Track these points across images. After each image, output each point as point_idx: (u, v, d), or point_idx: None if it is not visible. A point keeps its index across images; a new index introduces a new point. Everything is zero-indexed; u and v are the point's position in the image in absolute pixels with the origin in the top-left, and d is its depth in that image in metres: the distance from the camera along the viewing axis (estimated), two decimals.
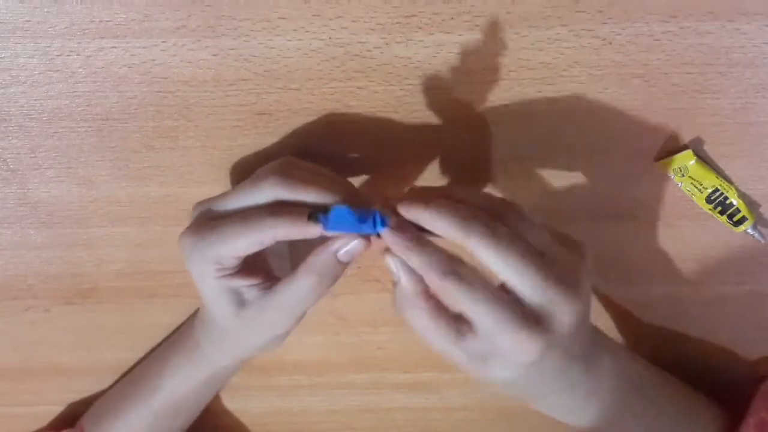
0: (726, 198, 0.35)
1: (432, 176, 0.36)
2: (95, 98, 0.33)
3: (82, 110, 0.33)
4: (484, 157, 0.35)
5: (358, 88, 0.32)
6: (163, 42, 0.31)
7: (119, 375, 0.44)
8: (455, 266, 0.27)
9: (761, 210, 0.37)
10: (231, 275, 0.30)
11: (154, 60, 0.31)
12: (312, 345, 0.43)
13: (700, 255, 0.39)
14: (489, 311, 0.27)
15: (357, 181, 0.36)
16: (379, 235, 0.28)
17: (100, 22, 0.30)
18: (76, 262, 0.39)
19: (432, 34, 0.31)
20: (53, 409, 0.45)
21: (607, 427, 0.34)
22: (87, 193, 0.36)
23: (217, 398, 0.44)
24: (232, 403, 0.46)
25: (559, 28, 0.31)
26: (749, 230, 0.36)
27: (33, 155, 0.35)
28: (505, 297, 0.27)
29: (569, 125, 0.34)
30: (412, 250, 0.28)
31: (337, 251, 0.29)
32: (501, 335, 0.27)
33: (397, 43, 0.31)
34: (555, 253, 0.29)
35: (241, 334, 0.33)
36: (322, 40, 0.31)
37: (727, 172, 0.36)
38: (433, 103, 0.33)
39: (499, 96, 0.33)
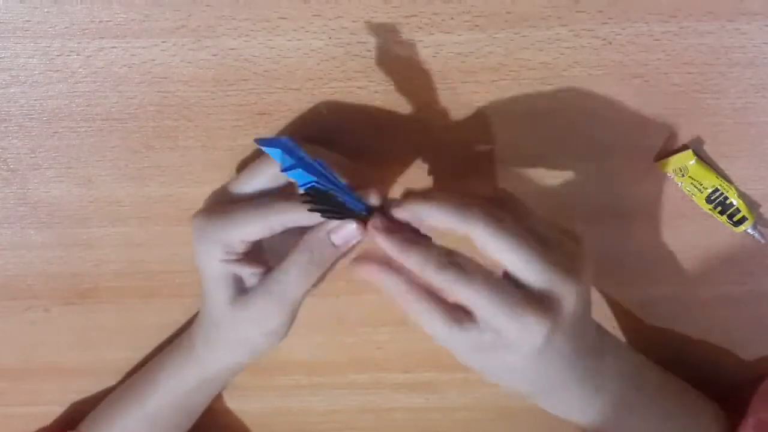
0: (726, 198, 0.35)
1: (433, 176, 0.36)
2: (95, 98, 0.33)
3: (82, 110, 0.33)
4: (484, 158, 0.35)
5: (358, 88, 0.32)
6: (163, 42, 0.31)
7: (119, 375, 0.44)
8: (454, 257, 0.27)
9: (761, 210, 0.37)
10: (236, 261, 0.30)
11: (154, 60, 0.31)
12: (312, 345, 0.43)
13: (700, 255, 0.39)
14: (493, 298, 0.27)
15: (355, 181, 0.36)
16: (367, 216, 0.28)
17: (100, 22, 0.30)
18: (76, 262, 0.39)
19: (432, 34, 0.31)
20: (53, 409, 0.45)
21: (611, 425, 0.33)
22: (87, 193, 0.36)
23: (217, 397, 0.44)
24: (232, 402, 0.46)
25: (559, 28, 0.31)
26: (749, 230, 0.36)
27: (33, 155, 0.35)
28: (508, 283, 0.27)
29: (569, 125, 0.34)
30: (409, 248, 0.28)
31: (330, 232, 0.29)
32: (507, 321, 0.27)
33: (397, 43, 0.31)
34: (556, 239, 0.29)
35: (235, 327, 0.32)
36: (322, 40, 0.31)
37: (727, 172, 0.36)
38: (433, 104, 0.33)
39: (499, 96, 0.33)
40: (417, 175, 0.36)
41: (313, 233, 0.30)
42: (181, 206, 0.37)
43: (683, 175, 0.35)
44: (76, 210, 0.37)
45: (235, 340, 0.33)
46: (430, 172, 0.36)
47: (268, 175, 0.31)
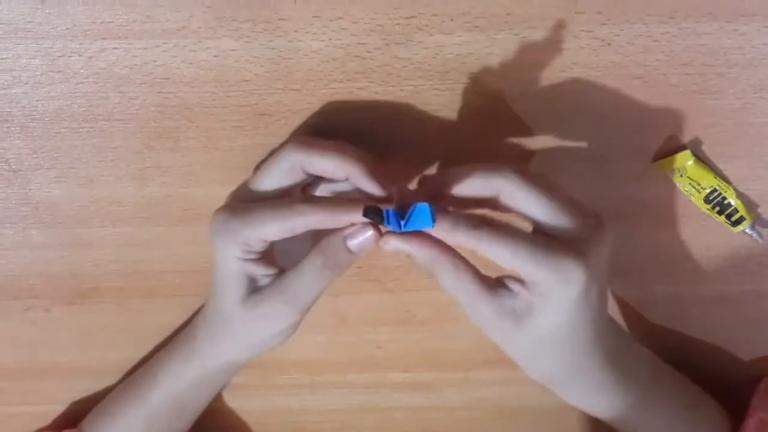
0: (724, 198, 0.35)
1: None
2: (97, 99, 0.33)
3: (84, 111, 0.33)
4: (484, 158, 0.35)
5: (359, 89, 0.33)
6: (165, 43, 0.31)
7: (120, 374, 0.44)
8: (487, 220, 0.28)
9: (759, 210, 0.37)
10: (253, 260, 0.31)
11: (155, 61, 0.31)
12: (312, 344, 0.43)
13: (700, 255, 0.39)
14: (529, 248, 0.27)
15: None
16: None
17: (102, 23, 0.30)
18: (77, 262, 0.39)
19: (432, 35, 0.31)
20: (54, 408, 0.45)
21: (627, 418, 0.34)
22: (88, 194, 0.36)
23: (217, 397, 0.44)
24: (232, 402, 0.46)
25: (558, 29, 0.31)
26: (747, 230, 0.36)
27: (35, 155, 0.35)
28: (540, 235, 0.28)
29: (568, 126, 0.34)
30: (439, 216, 0.28)
31: (346, 237, 0.29)
32: (546, 269, 0.27)
33: (397, 44, 0.31)
34: (575, 200, 0.30)
35: (244, 325, 0.32)
36: (322, 41, 0.31)
37: (725, 173, 0.36)
38: (433, 104, 0.33)
39: (498, 97, 0.33)
40: (417, 175, 0.36)
41: (330, 238, 0.30)
42: (182, 206, 0.37)
43: (681, 176, 0.35)
44: (78, 210, 0.37)
45: (243, 337, 0.33)
46: (430, 173, 0.36)
47: (286, 170, 0.30)
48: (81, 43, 0.31)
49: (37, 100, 0.33)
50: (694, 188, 0.35)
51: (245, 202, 0.31)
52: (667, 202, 0.37)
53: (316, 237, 0.31)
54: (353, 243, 0.29)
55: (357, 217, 0.28)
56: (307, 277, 0.30)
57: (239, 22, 0.30)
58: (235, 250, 0.30)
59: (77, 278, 0.39)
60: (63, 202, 0.36)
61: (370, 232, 0.29)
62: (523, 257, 0.27)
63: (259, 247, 0.30)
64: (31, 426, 0.45)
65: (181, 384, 0.38)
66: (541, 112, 0.34)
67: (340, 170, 0.30)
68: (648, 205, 0.37)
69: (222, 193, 0.36)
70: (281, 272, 0.31)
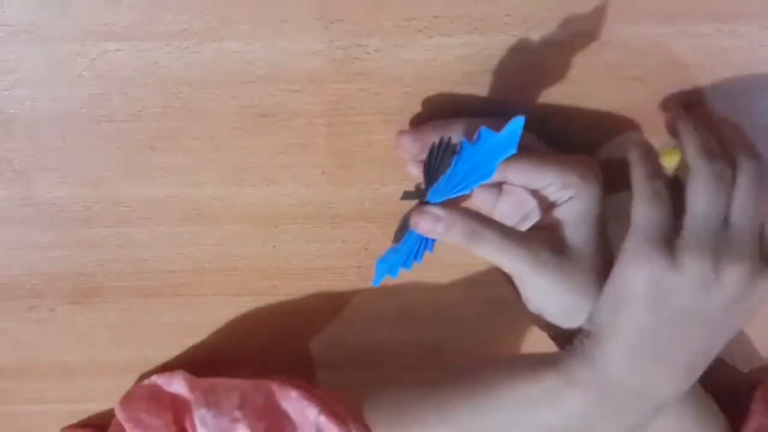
0: None
1: None
2: (100, 100, 0.33)
3: (87, 112, 0.33)
4: None
5: (359, 90, 0.33)
6: (167, 45, 0.31)
7: (123, 374, 0.44)
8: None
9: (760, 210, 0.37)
10: None
11: (158, 63, 0.32)
12: (312, 344, 0.43)
13: None
14: (553, 163, 0.30)
15: (356, 181, 0.36)
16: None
17: (105, 25, 0.30)
18: (80, 262, 0.39)
19: (432, 37, 0.31)
20: (57, 407, 0.45)
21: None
22: (91, 194, 0.36)
23: None
24: None
25: (558, 30, 0.31)
26: None
27: (38, 156, 0.35)
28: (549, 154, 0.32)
29: (567, 127, 0.34)
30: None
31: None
32: (573, 169, 0.30)
33: (397, 46, 0.31)
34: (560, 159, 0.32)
35: None
36: (323, 42, 0.31)
37: None
38: (433, 106, 0.33)
39: (498, 98, 0.33)
40: (417, 175, 0.36)
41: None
42: (185, 207, 0.37)
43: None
44: (81, 210, 0.37)
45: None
46: None
47: None
48: (84, 45, 0.31)
49: (41, 102, 0.33)
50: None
51: None
52: None
53: None
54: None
55: None
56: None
57: (241, 24, 0.30)
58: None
59: (80, 278, 0.40)
60: (66, 202, 0.37)
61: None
62: (553, 172, 0.30)
63: None
64: (34, 426, 0.45)
65: None
66: (540, 113, 0.34)
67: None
68: None
69: (223, 193, 0.36)
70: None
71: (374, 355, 0.44)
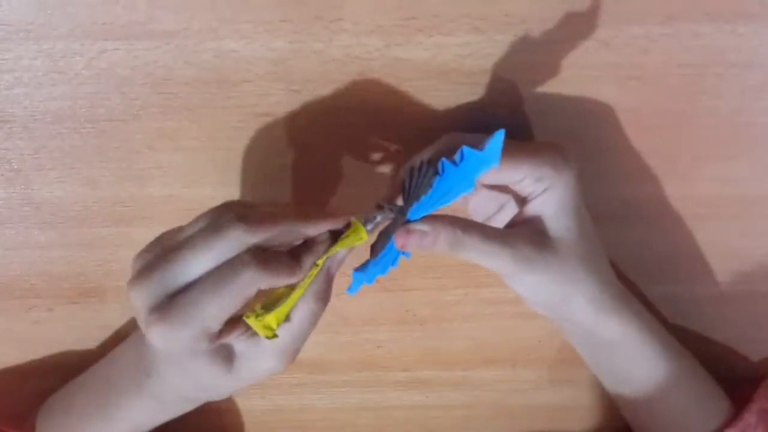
0: None
1: None
2: (98, 99, 0.33)
3: (86, 111, 0.33)
4: None
5: (359, 89, 0.33)
6: (166, 44, 0.31)
7: None
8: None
9: (759, 210, 0.37)
10: (219, 335, 0.28)
11: (156, 62, 0.31)
12: (313, 344, 0.43)
13: (700, 255, 0.39)
14: (525, 156, 0.30)
15: (356, 182, 0.36)
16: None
17: (104, 24, 0.30)
18: (79, 262, 0.39)
19: (432, 36, 0.31)
20: None
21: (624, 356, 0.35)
22: (90, 194, 0.36)
23: None
24: (233, 401, 0.46)
25: (557, 30, 0.31)
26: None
27: (36, 156, 0.35)
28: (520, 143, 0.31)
29: (567, 126, 0.34)
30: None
31: (329, 268, 0.30)
32: (544, 161, 0.30)
33: (397, 45, 0.31)
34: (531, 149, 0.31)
35: (229, 386, 0.31)
36: (322, 42, 0.31)
37: (723, 173, 0.36)
38: (434, 105, 0.33)
39: (498, 98, 0.33)
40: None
41: (320, 276, 0.29)
42: (184, 206, 0.37)
43: None
44: (80, 210, 0.37)
45: (228, 391, 0.32)
46: None
47: (225, 251, 0.27)
48: (82, 44, 0.31)
49: (39, 101, 0.33)
50: None
51: (178, 294, 0.27)
52: (665, 202, 0.37)
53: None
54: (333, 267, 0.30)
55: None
56: (308, 323, 0.30)
57: (240, 23, 0.30)
58: (199, 346, 0.28)
59: (79, 278, 0.40)
60: (65, 202, 0.36)
61: (342, 253, 0.29)
62: (525, 166, 0.30)
63: (220, 325, 0.28)
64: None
65: (141, 420, 0.35)
66: (540, 113, 0.34)
67: (294, 235, 0.28)
68: (646, 206, 0.37)
69: (223, 193, 0.36)
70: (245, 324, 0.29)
71: (374, 355, 0.44)
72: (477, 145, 0.27)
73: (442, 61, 0.32)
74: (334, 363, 0.44)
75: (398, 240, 0.29)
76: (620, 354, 0.36)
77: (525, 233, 0.31)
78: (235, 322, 0.29)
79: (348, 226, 0.29)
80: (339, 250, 0.29)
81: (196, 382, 0.30)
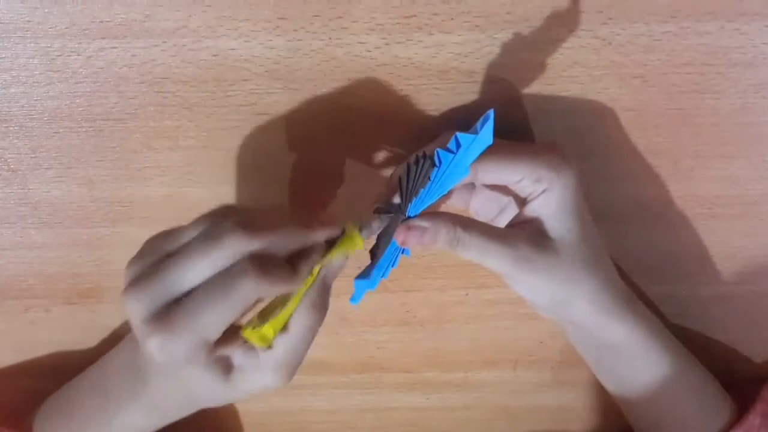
0: None
1: None
2: (96, 98, 0.33)
3: (83, 110, 0.33)
4: None
5: (359, 88, 0.33)
6: (164, 42, 0.31)
7: None
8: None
9: (760, 210, 0.37)
10: (217, 345, 0.28)
11: (154, 60, 0.31)
12: (312, 345, 0.43)
13: (700, 255, 0.39)
14: (525, 158, 0.30)
15: (356, 181, 0.36)
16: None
17: (101, 22, 0.30)
18: (76, 262, 0.39)
19: (432, 34, 0.31)
20: None
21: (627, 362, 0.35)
22: (88, 193, 0.36)
23: None
24: (232, 403, 0.46)
25: (559, 28, 0.31)
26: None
27: (34, 155, 0.35)
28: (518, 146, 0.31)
29: (569, 125, 0.34)
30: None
31: (325, 277, 0.29)
32: (543, 162, 0.30)
33: (397, 43, 0.31)
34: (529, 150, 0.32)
35: (225, 398, 0.30)
36: (322, 40, 0.31)
37: (726, 172, 0.36)
38: (434, 104, 0.33)
39: (499, 96, 0.33)
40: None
41: (315, 288, 0.29)
42: (182, 206, 0.37)
43: None
44: (77, 210, 0.37)
45: (225, 401, 0.31)
46: None
47: (226, 259, 0.26)
48: (80, 43, 0.31)
49: (36, 100, 0.33)
50: None
51: (174, 304, 0.26)
52: (666, 202, 0.37)
53: None
54: (330, 275, 0.29)
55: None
56: (309, 331, 0.29)
57: (239, 21, 0.30)
58: (199, 356, 0.27)
59: (77, 278, 0.39)
60: (62, 202, 0.36)
61: (341, 260, 0.29)
62: (523, 167, 0.30)
63: (218, 335, 0.27)
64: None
65: (137, 423, 0.35)
66: (541, 111, 0.34)
67: (292, 243, 0.28)
68: (647, 205, 0.37)
69: (222, 193, 0.36)
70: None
71: (375, 357, 0.44)
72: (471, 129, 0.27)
73: (442, 60, 0.32)
74: (334, 364, 0.44)
75: (398, 237, 0.29)
76: (622, 356, 0.35)
77: (525, 234, 0.31)
78: (233, 332, 0.29)
79: (343, 232, 0.29)
80: (334, 257, 0.29)
81: (191, 391, 0.30)
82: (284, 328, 0.29)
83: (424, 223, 0.29)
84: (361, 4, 0.30)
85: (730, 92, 0.33)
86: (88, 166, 0.35)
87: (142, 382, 0.32)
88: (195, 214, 0.37)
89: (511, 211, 0.33)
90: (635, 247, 0.39)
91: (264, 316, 0.29)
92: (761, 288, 0.40)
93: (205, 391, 0.30)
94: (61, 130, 0.34)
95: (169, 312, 0.26)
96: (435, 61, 0.32)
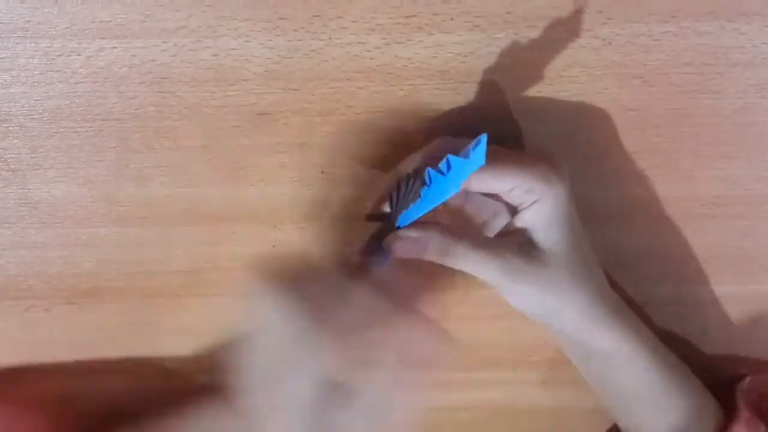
0: None
1: None
2: (96, 98, 0.33)
3: (83, 110, 0.33)
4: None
5: (359, 88, 0.33)
6: (164, 42, 0.31)
7: (120, 375, 0.43)
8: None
9: (761, 210, 0.37)
10: None
11: (154, 60, 0.31)
12: None
13: (700, 255, 0.39)
14: (516, 168, 0.30)
15: (355, 181, 0.36)
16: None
17: (101, 22, 0.30)
18: (76, 262, 0.39)
19: (432, 34, 0.31)
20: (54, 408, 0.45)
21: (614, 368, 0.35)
22: (87, 193, 0.36)
23: None
24: None
25: (559, 28, 0.31)
26: None
27: (34, 155, 0.35)
28: (512, 155, 0.31)
29: (569, 125, 0.34)
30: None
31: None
32: (535, 173, 0.30)
33: (397, 43, 0.31)
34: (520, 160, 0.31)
35: None
36: (322, 40, 0.31)
37: (726, 173, 0.36)
38: (433, 104, 0.33)
39: (499, 96, 0.33)
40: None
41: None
42: (182, 206, 0.37)
43: None
44: (77, 210, 0.37)
45: None
46: None
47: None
48: (79, 43, 0.31)
49: (36, 100, 0.33)
50: None
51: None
52: (666, 202, 0.37)
53: None
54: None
55: None
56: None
57: (239, 21, 0.30)
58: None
59: (77, 278, 0.39)
60: (62, 202, 0.36)
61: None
62: (515, 177, 0.30)
63: None
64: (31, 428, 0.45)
65: None
66: (541, 111, 0.34)
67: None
68: (647, 205, 0.37)
69: (221, 193, 0.36)
70: None
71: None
72: (463, 151, 0.28)
73: (442, 60, 0.32)
74: None
75: (389, 246, 0.29)
76: (611, 365, 0.36)
77: (515, 244, 0.31)
78: None
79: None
80: None
81: None
82: None
83: (413, 234, 0.29)
84: (361, 4, 0.30)
85: (730, 92, 0.33)
86: (88, 166, 0.35)
87: None
88: (195, 214, 0.37)
89: (504, 220, 0.33)
90: (635, 247, 0.39)
91: None
92: (761, 288, 0.40)
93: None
94: (61, 130, 0.34)
95: None
96: (435, 61, 0.32)
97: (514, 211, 0.32)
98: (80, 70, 0.32)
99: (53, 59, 0.31)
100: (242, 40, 0.31)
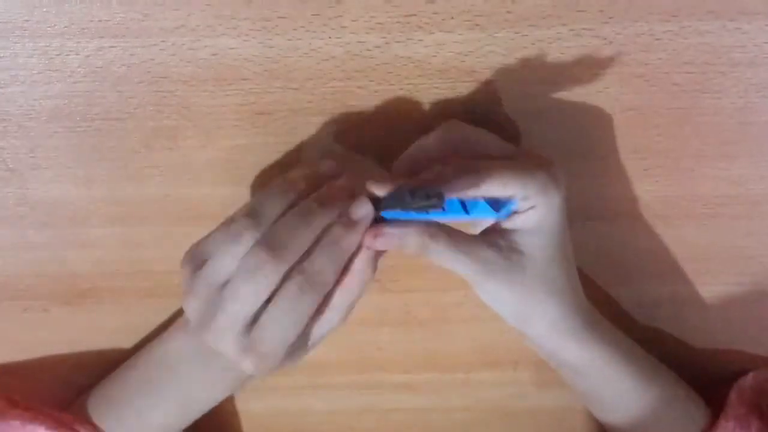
0: None
1: None
2: (94, 98, 0.33)
3: (81, 110, 0.33)
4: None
5: (358, 87, 0.32)
6: (163, 41, 0.31)
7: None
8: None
9: (762, 210, 0.37)
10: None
11: (153, 59, 0.31)
12: None
13: (700, 255, 0.39)
14: (515, 174, 0.29)
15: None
16: None
17: (100, 21, 0.30)
18: (74, 263, 0.39)
19: (432, 33, 0.31)
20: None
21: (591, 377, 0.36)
22: (86, 193, 0.36)
23: None
24: (232, 403, 0.46)
25: (560, 27, 0.31)
26: None
27: (32, 155, 0.34)
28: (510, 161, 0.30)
29: (569, 125, 0.34)
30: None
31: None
32: (534, 183, 0.29)
33: (397, 42, 0.31)
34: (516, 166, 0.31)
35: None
36: (321, 39, 0.31)
37: (727, 172, 0.36)
38: (434, 103, 0.33)
39: (499, 96, 0.33)
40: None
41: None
42: (181, 206, 0.37)
43: None
44: (75, 210, 0.37)
45: None
46: None
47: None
48: (78, 42, 0.31)
49: (35, 99, 0.32)
50: None
51: (253, 331, 0.29)
52: (666, 201, 0.37)
53: None
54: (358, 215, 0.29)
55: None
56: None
57: (238, 20, 0.30)
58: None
59: (75, 278, 0.39)
60: (60, 202, 0.36)
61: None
62: (513, 185, 0.29)
63: None
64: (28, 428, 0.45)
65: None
66: (541, 111, 0.34)
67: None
68: (647, 205, 0.37)
69: (220, 193, 0.36)
70: None
71: (374, 357, 0.44)
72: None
73: (442, 59, 0.32)
74: (334, 365, 0.44)
75: (367, 239, 0.29)
76: (583, 377, 0.36)
77: (497, 242, 0.31)
78: None
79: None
80: None
81: None
82: None
83: (393, 231, 0.29)
84: (360, 2, 0.30)
85: (732, 91, 0.33)
86: (87, 166, 0.35)
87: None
88: (194, 214, 0.37)
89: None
90: (634, 247, 0.39)
91: None
92: (762, 288, 0.40)
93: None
94: (59, 130, 0.34)
95: (254, 341, 0.28)
96: (435, 60, 0.32)
97: None
98: (79, 70, 0.32)
99: (52, 58, 0.31)
100: (241, 39, 0.31)
